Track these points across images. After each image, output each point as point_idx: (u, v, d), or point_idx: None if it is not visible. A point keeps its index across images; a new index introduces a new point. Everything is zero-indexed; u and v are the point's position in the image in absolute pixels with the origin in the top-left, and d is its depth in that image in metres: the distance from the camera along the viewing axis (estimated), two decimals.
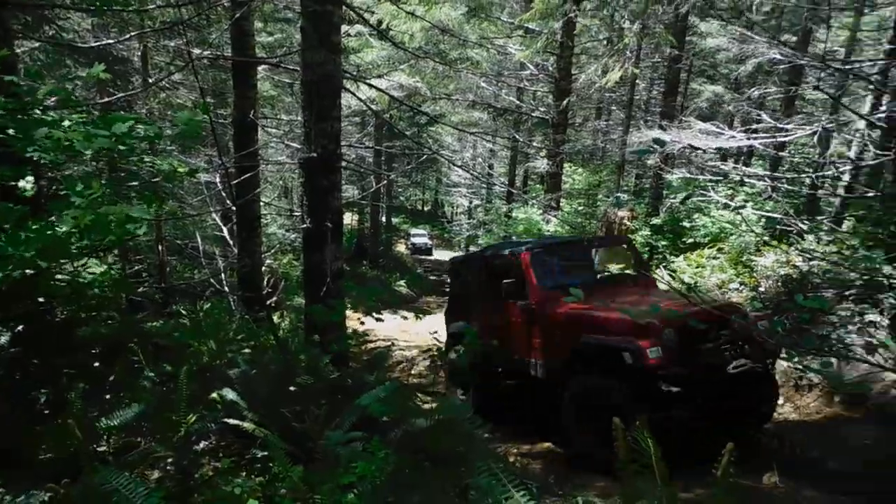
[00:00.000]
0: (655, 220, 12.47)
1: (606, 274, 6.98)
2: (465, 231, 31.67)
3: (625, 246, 7.41)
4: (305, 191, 6.01)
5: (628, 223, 12.97)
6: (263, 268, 9.96)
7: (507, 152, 26.87)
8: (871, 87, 12.63)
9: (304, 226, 5.99)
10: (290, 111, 16.57)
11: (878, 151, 9.55)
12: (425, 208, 56.62)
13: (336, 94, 5.99)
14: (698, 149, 9.08)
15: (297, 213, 13.14)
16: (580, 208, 15.72)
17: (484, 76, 17.32)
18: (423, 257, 34.58)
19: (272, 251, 14.81)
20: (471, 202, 36.74)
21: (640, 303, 5.73)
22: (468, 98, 18.31)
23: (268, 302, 9.28)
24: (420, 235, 37.24)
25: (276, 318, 9.30)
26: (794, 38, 13.80)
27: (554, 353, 5.96)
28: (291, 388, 4.36)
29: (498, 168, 31.71)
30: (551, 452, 6.06)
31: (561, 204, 16.22)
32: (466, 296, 7.79)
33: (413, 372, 9.91)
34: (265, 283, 10.05)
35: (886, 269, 7.92)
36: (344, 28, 9.87)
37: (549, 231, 15.02)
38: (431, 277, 25.73)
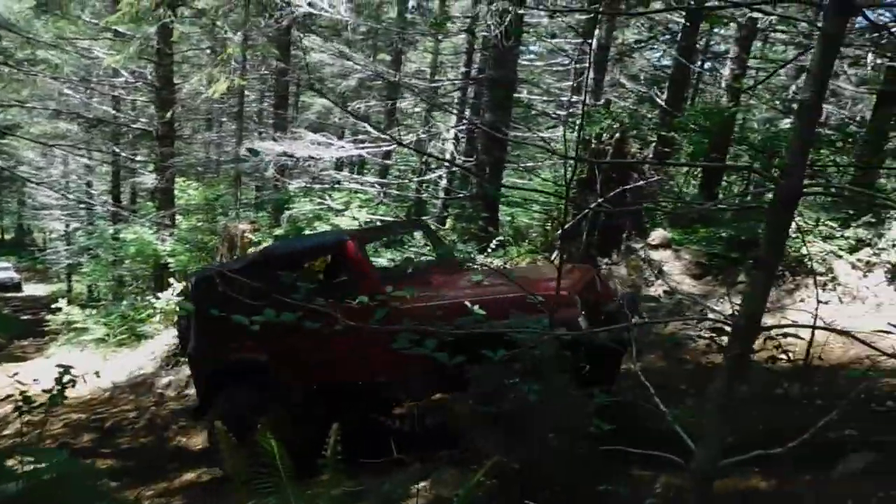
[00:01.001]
0: (278, 231, 12.69)
1: (420, 261, 6.53)
2: (63, 259, 27.88)
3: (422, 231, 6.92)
4: None
5: (251, 236, 12.92)
6: None
7: (107, 167, 24.23)
8: (455, 102, 14.96)
9: None
10: None
11: (464, 157, 11.38)
12: (6, 237, 49.29)
13: None
14: (312, 158, 9.56)
15: None
16: (199, 224, 15.10)
17: (68, 82, 15.30)
18: (10, 295, 29.63)
19: None
20: (68, 226, 32.33)
21: (477, 286, 5.25)
22: (49, 107, 15.95)
23: None
24: (3, 269, 32.09)
25: None
26: (389, 58, 15.54)
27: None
28: None
29: (99, 185, 28.39)
30: None
31: (177, 220, 15.36)
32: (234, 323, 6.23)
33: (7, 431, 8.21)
34: None
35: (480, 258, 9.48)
36: None
37: (165, 251, 14.08)
38: (25, 317, 21.93)
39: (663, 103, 11.01)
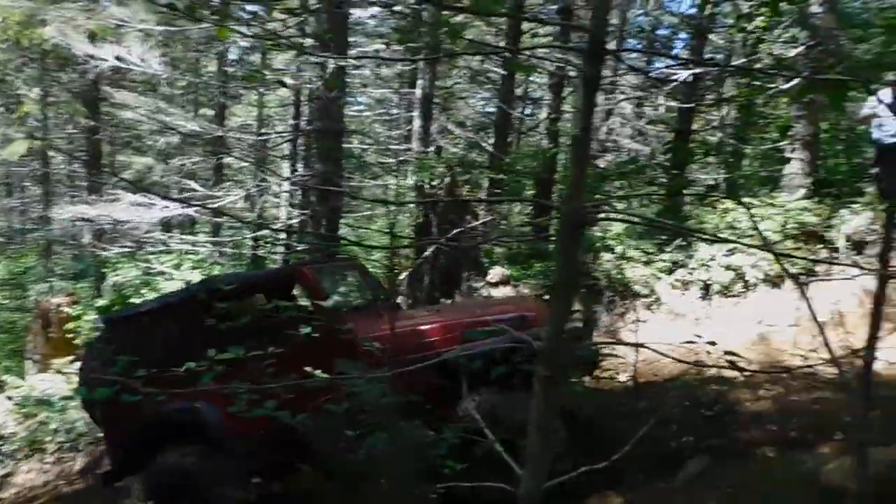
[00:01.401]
0: (101, 302, 11.68)
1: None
2: None
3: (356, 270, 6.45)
4: None
5: (68, 310, 11.76)
6: None
7: None
8: (286, 155, 14.75)
9: None
10: None
11: (300, 210, 11.21)
12: None
13: None
14: (132, 221, 8.94)
15: None
16: (5, 301, 13.56)
17: None
18: None
19: None
20: None
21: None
22: None
23: None
24: None
25: None
26: (212, 112, 15.09)
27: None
28: None
29: None
30: None
31: None
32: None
33: None
34: None
35: None
36: None
37: None
38: None
39: (490, 148, 11.66)
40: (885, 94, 7.37)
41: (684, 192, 9.80)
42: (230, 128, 13.12)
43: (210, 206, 8.82)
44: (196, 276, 9.91)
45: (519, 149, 13.82)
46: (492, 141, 11.70)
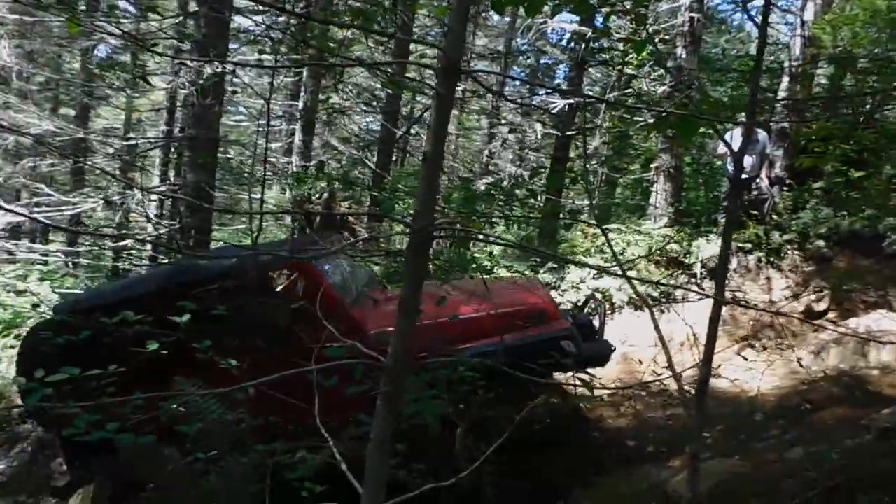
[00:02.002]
0: None
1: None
2: None
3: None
4: None
5: None
6: None
7: None
8: (158, 163, 14.03)
9: None
10: None
11: (169, 220, 10.66)
12: None
13: None
14: None
15: None
16: None
17: None
18: None
19: None
20: None
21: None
22: None
23: None
24: None
25: None
26: (74, 113, 14.10)
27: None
28: None
29: None
30: None
31: None
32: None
33: None
34: None
35: None
36: None
37: None
38: None
39: (373, 165, 11.66)
40: (737, 133, 8.13)
41: (560, 216, 10.26)
42: (93, 130, 12.30)
43: (75, 211, 8.18)
44: (44, 289, 9.15)
45: (403, 167, 13.95)
46: (375, 158, 11.72)
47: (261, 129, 10.71)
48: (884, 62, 8.78)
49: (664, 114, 2.37)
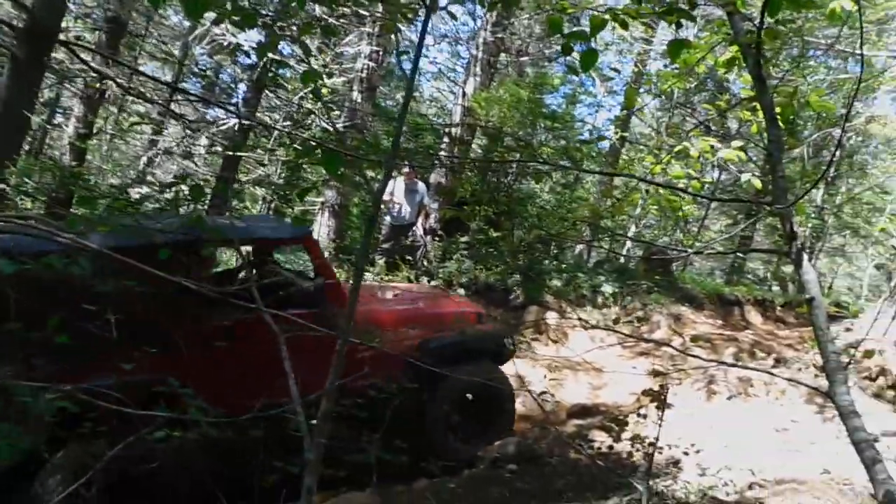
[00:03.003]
0: None
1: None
2: None
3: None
4: None
5: None
6: None
7: None
8: None
9: None
10: None
11: None
12: None
13: None
14: None
15: None
16: None
17: None
18: None
19: None
20: None
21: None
22: None
23: None
24: None
25: None
26: None
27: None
28: None
29: None
30: None
31: None
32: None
33: None
34: None
35: None
36: None
37: None
38: None
39: None
40: (399, 181, 8.69)
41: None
42: None
43: None
44: None
45: (36, 160, 11.89)
46: None
47: None
48: (524, 143, 10.35)
49: (315, 146, 2.30)
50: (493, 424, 5.01)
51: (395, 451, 3.86)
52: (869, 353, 5.63)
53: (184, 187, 3.93)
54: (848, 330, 6.38)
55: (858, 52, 4.70)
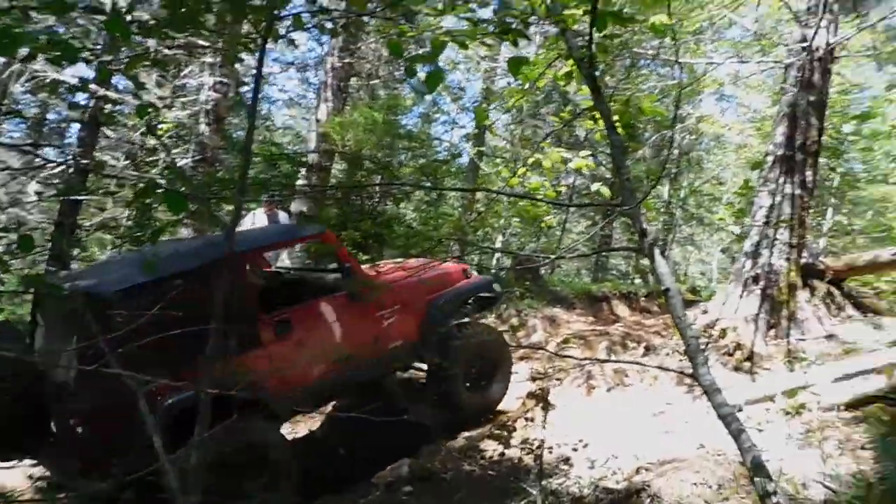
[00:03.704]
0: None
1: None
2: None
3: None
4: None
5: None
6: None
7: None
8: None
9: None
10: None
11: None
12: None
13: None
14: None
15: None
16: None
17: None
18: None
19: None
20: None
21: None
22: None
23: None
24: None
25: None
26: None
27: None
28: None
29: None
30: None
31: None
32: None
33: None
34: None
35: None
36: None
37: None
38: None
39: None
40: (260, 213, 8.48)
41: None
42: None
43: None
44: None
45: None
46: None
47: None
48: (384, 165, 10.45)
49: (154, 186, 2.22)
50: (497, 377, 6.04)
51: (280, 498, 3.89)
52: (724, 332, 6.20)
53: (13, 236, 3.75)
54: (705, 312, 6.89)
55: (680, 60, 5.20)
